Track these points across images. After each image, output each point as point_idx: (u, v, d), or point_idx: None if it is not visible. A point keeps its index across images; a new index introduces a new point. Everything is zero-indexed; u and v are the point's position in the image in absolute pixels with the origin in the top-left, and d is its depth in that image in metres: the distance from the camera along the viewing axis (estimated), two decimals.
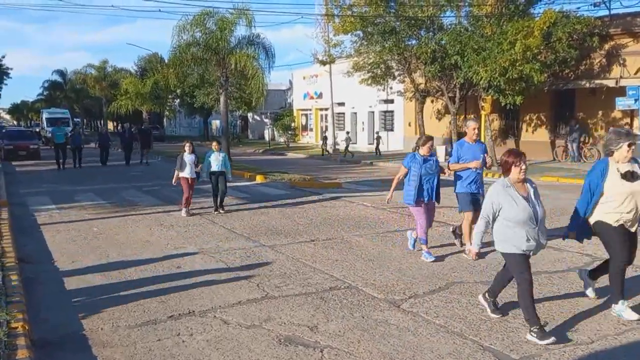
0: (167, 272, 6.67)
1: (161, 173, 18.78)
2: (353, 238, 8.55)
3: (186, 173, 10.69)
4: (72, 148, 21.49)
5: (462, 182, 7.36)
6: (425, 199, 7.04)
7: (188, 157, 10.74)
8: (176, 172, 10.78)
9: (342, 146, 28.87)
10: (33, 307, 5.37)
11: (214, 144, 11.29)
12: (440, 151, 22.78)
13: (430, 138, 7.20)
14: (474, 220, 6.72)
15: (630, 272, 5.73)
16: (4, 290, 5.46)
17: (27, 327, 4.62)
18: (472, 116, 17.16)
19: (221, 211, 10.94)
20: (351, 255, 7.46)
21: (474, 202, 7.23)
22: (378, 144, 28.56)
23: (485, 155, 7.27)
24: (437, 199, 7.24)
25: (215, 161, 10.90)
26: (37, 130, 49.49)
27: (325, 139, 30.53)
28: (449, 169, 7.49)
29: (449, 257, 7.35)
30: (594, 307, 5.35)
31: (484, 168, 7.45)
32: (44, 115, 45.18)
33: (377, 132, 30.65)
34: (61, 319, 5.14)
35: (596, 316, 5.12)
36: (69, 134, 23.35)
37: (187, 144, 10.99)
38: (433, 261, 6.92)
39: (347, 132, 31.60)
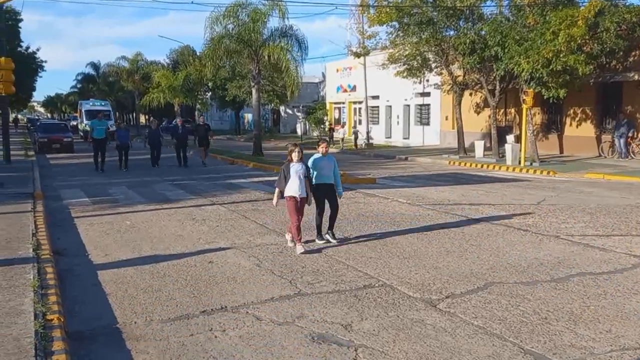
0: (200, 267, 6.66)
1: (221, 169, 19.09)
2: (387, 235, 8.38)
3: (293, 191, 7.33)
4: (117, 146, 18.39)
5: None
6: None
7: (296, 168, 7.35)
8: (277, 190, 7.61)
9: (360, 140, 29.29)
10: (67, 299, 5.43)
11: (322, 145, 7.85)
12: (479, 146, 22.29)
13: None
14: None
15: None
16: (40, 282, 5.54)
17: (62, 320, 4.67)
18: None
19: (331, 240, 7.83)
20: (386, 253, 7.30)
21: None
22: (356, 137, 29.05)
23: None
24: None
25: (326, 169, 7.80)
26: (75, 123, 48.71)
27: (356, 133, 30.39)
28: None
29: (487, 256, 7.11)
30: None
31: None
32: (83, 107, 41.90)
33: (354, 127, 31.57)
34: (95, 312, 5.17)
35: None
36: (111, 128, 21.12)
37: (296, 151, 7.32)
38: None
39: (354, 127, 32.97)
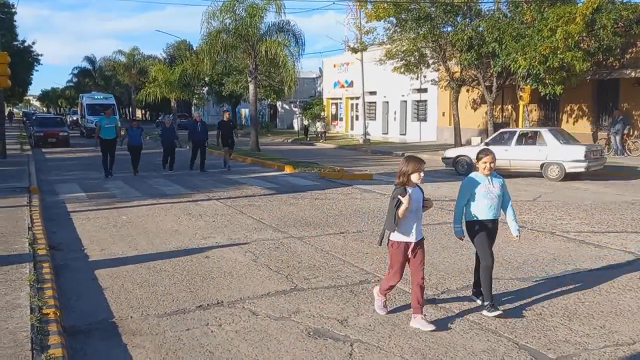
0: (196, 262, 6.66)
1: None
2: None
3: (407, 232, 4.75)
4: (128, 147, 15.61)
5: None
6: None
7: (414, 197, 4.74)
8: (385, 230, 4.89)
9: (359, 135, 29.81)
10: (63, 294, 5.43)
11: (486, 159, 5.01)
12: (475, 142, 22.32)
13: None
14: None
15: None
16: (36, 276, 5.53)
17: (58, 314, 4.67)
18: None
19: (488, 312, 4.97)
20: (382, 249, 7.26)
21: None
22: (307, 131, 29.84)
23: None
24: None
25: (492, 197, 5.03)
26: (75, 118, 45.76)
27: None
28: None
29: None
30: (637, 307, 5.10)
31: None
32: (84, 101, 37.36)
33: (306, 122, 33.77)
34: (91, 307, 5.17)
35: (639, 316, 4.87)
36: (120, 126, 16.84)
37: (419, 171, 4.69)
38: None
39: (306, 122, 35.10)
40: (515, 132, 15.54)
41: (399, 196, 4.64)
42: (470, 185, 5.05)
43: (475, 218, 5.05)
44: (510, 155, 14.67)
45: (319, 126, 33.94)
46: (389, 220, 4.75)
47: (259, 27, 22.92)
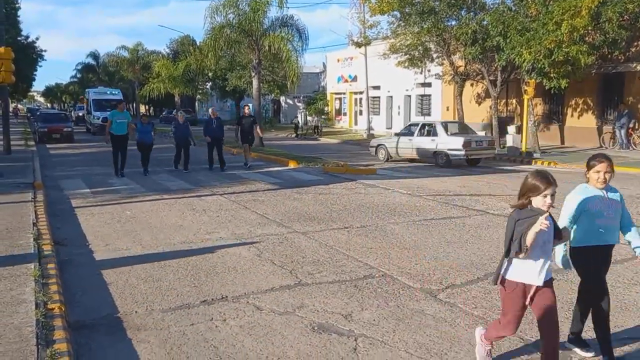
0: (200, 257, 6.67)
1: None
2: (388, 225, 8.38)
3: (531, 272, 3.54)
4: (137, 144, 14.42)
5: None
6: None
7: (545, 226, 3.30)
8: (501, 273, 3.65)
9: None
10: (68, 289, 5.45)
11: (601, 167, 3.90)
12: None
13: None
14: None
15: None
16: (40, 272, 5.55)
17: (63, 309, 4.68)
18: None
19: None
20: (386, 243, 7.31)
21: None
22: (297, 128, 30.51)
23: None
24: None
25: (608, 216, 3.98)
26: (80, 114, 44.90)
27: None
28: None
29: (487, 247, 7.11)
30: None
31: None
32: (90, 96, 36.14)
33: (296, 120, 33.75)
34: (95, 302, 5.18)
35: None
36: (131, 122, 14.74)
37: (550, 191, 3.48)
38: None
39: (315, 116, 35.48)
40: (418, 124, 18.26)
41: (533, 216, 3.38)
42: (580, 200, 3.91)
43: (585, 244, 3.92)
44: (413, 144, 17.34)
45: (310, 120, 33.64)
46: (512, 247, 3.45)
47: (263, 21, 22.90)
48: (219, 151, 15.69)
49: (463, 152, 16.04)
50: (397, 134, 18.72)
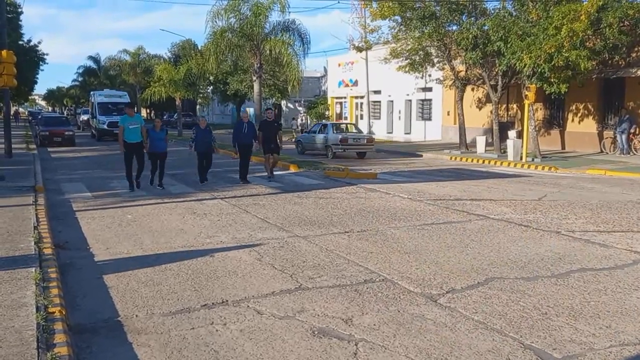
0: (201, 261, 6.67)
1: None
2: (388, 230, 8.39)
3: None
4: (150, 153, 12.63)
5: None
6: None
7: None
8: None
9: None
10: (69, 292, 5.45)
11: None
12: (480, 141, 22.27)
13: None
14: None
15: None
16: (41, 275, 5.55)
17: (64, 312, 4.68)
18: None
19: None
20: (386, 248, 7.31)
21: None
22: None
23: None
24: None
25: None
26: (86, 118, 42.61)
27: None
28: None
29: (488, 251, 7.11)
30: None
31: None
32: (96, 99, 33.82)
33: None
34: (96, 305, 5.18)
35: None
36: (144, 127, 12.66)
37: None
38: None
39: (301, 121, 37.84)
40: (321, 124, 23.84)
41: None
42: None
43: None
44: (316, 140, 21.97)
45: (294, 125, 33.78)
46: None
47: (264, 26, 22.97)
48: (246, 159, 13.88)
49: (341, 147, 20.57)
50: (308, 132, 24.30)
